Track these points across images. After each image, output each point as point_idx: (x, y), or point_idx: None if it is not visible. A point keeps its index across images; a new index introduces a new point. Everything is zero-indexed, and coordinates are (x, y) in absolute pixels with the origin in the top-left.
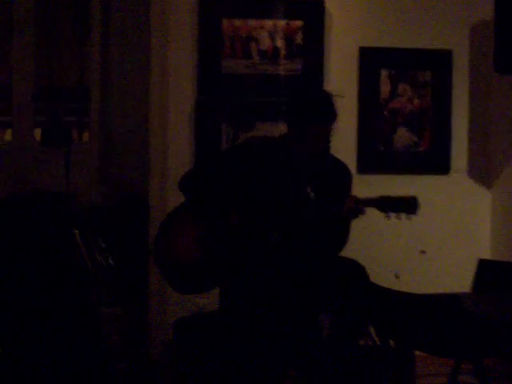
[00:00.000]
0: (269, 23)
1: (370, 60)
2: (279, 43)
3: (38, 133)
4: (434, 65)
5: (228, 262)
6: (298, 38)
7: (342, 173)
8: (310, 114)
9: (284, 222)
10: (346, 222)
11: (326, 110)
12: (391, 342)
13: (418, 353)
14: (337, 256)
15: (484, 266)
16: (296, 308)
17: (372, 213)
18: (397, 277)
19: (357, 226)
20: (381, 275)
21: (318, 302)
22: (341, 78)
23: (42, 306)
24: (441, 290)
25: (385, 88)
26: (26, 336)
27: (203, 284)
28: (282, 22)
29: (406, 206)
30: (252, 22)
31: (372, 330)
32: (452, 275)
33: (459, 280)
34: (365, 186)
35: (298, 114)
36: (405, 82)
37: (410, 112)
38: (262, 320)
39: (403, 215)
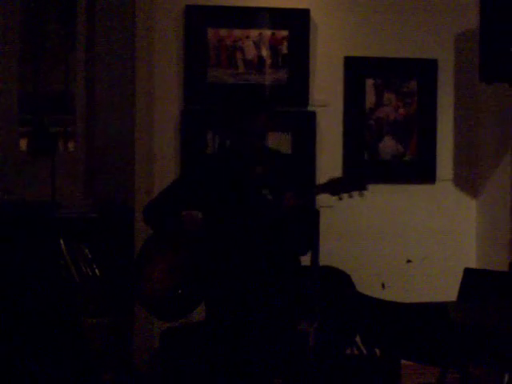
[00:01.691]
0: (254, 33)
1: (356, 69)
2: (264, 53)
3: (23, 143)
4: (419, 74)
5: (201, 279)
6: (284, 48)
7: (289, 165)
8: (237, 108)
9: (247, 229)
10: (301, 220)
11: (250, 101)
12: (377, 351)
13: (404, 361)
14: (301, 255)
15: (470, 275)
16: (271, 315)
17: (358, 221)
18: (383, 286)
19: (343, 234)
20: (367, 284)
21: (295, 307)
22: (326, 87)
23: (26, 315)
24: (427, 299)
25: (370, 97)
26: (9, 345)
27: (185, 309)
28: (267, 32)
29: (356, 183)
30: (237, 32)
31: (358, 340)
32: (438, 284)
33: (445, 289)
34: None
35: (228, 114)
36: (390, 91)
37: (396, 121)
38: (244, 329)
39: (355, 193)
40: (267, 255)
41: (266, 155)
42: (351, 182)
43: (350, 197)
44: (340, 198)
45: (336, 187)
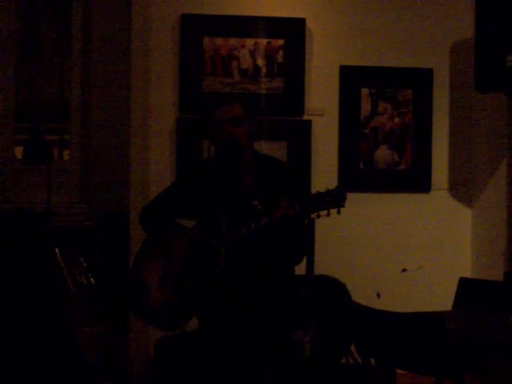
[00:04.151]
0: (250, 42)
1: (351, 78)
2: (260, 62)
3: (19, 151)
4: (414, 83)
5: (192, 291)
6: (279, 57)
7: (284, 174)
8: (211, 105)
9: (235, 239)
10: (295, 227)
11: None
12: (372, 361)
13: (399, 371)
14: (295, 264)
15: (465, 284)
16: (265, 324)
17: (353, 230)
18: (378, 295)
19: (338, 243)
20: (362, 294)
21: (289, 317)
22: (322, 96)
23: (19, 325)
24: (422, 309)
25: (365, 106)
26: (1, 356)
27: (181, 318)
28: (263, 41)
29: (334, 199)
30: (233, 41)
31: (353, 349)
32: (433, 293)
33: (440, 298)
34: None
35: (208, 115)
36: (385, 100)
37: (391, 130)
38: (238, 338)
39: (333, 210)
40: (260, 264)
41: (244, 145)
42: (330, 197)
43: (328, 215)
44: (317, 217)
45: (314, 205)
